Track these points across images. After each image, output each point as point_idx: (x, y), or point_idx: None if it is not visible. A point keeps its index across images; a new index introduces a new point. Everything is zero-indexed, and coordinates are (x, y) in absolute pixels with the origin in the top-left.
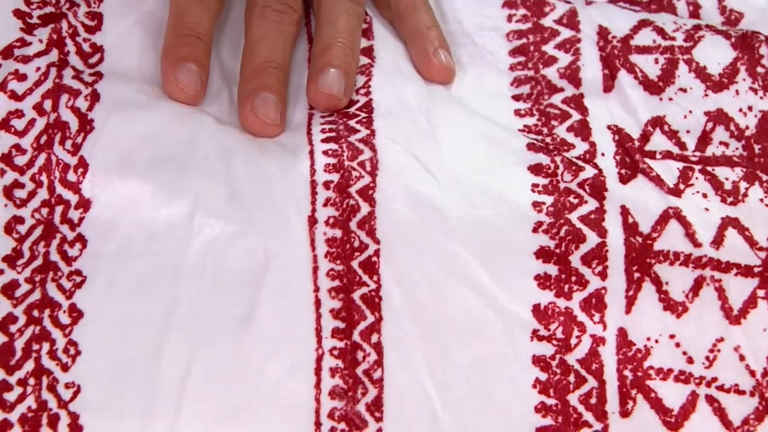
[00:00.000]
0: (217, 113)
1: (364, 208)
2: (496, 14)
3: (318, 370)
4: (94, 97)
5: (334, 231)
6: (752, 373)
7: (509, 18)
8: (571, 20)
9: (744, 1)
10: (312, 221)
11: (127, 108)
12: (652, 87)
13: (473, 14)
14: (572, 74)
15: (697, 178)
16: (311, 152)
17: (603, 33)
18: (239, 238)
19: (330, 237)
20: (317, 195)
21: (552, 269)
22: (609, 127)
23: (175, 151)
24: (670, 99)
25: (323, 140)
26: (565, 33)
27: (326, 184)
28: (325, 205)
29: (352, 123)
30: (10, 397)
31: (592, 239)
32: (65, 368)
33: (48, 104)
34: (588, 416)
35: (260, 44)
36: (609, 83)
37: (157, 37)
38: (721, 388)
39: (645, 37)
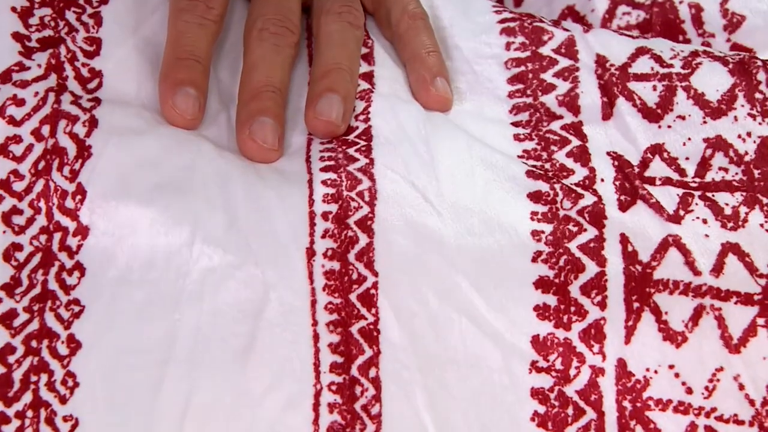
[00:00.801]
0: (215, 136)
1: (363, 240)
2: (494, 41)
3: (316, 406)
4: (92, 123)
5: (333, 263)
6: (752, 403)
7: (507, 46)
8: (569, 49)
9: (746, 4)
10: (310, 253)
11: (126, 134)
12: (651, 115)
13: (472, 41)
14: (571, 101)
15: (696, 204)
16: (310, 181)
17: (601, 61)
18: (237, 269)
19: (328, 269)
20: (316, 226)
21: (551, 300)
22: (609, 154)
23: (174, 177)
24: (669, 126)
25: (322, 169)
26: (564, 62)
27: (324, 215)
28: (323, 236)
29: (351, 151)
30: (9, 429)
31: (591, 269)
32: (63, 400)
33: (46, 130)
34: None
35: (258, 67)
36: (608, 111)
37: (157, 61)
38: (720, 418)
39: (643, 65)
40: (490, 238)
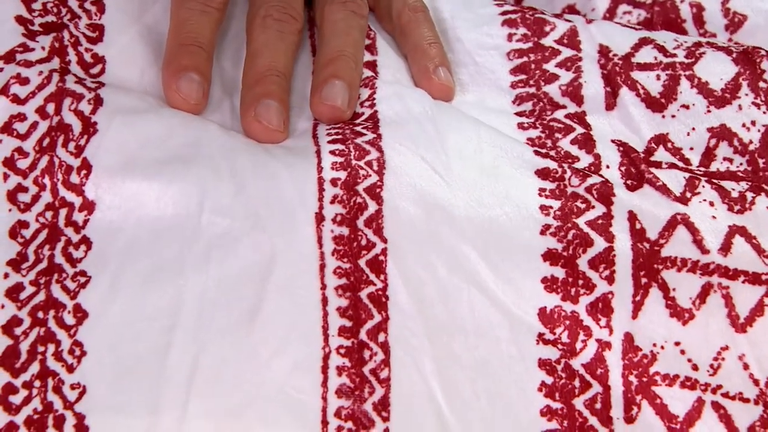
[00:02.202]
0: (219, 123)
1: (372, 207)
2: (495, 33)
3: (325, 368)
4: (98, 101)
5: (342, 229)
6: (756, 382)
7: (509, 37)
8: (571, 40)
9: (748, 4)
10: (319, 218)
11: (131, 112)
12: (655, 104)
13: (473, 33)
14: (574, 91)
15: (703, 186)
16: (318, 152)
17: (604, 51)
18: (245, 234)
19: (337, 234)
20: (324, 192)
21: (559, 272)
22: (613, 141)
23: (180, 152)
24: (673, 116)
25: (330, 141)
26: (566, 52)
27: (333, 182)
28: (332, 202)
29: (358, 128)
30: (16, 399)
31: (599, 243)
32: (71, 369)
33: (51, 107)
34: (593, 421)
35: (262, 53)
36: (611, 101)
37: (159, 48)
38: (726, 395)
39: (646, 54)
40: (498, 209)
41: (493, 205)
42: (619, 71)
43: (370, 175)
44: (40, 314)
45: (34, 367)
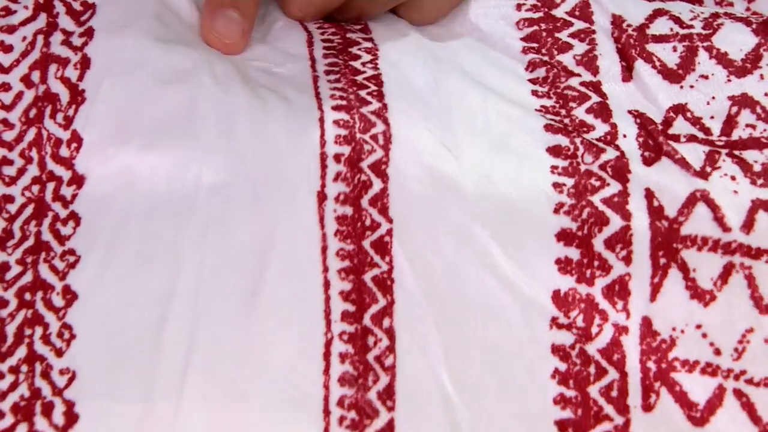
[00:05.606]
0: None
1: (377, 184)
2: (503, 3)
3: (327, 355)
4: (84, 63)
5: (345, 208)
6: None
7: (518, 7)
8: (583, 11)
9: None
10: (321, 197)
11: (121, 71)
12: (672, 75)
13: (478, 5)
14: (589, 62)
15: (724, 160)
16: (321, 120)
17: (617, 22)
18: (243, 212)
19: (340, 214)
20: (327, 169)
21: (574, 253)
22: (630, 112)
23: (176, 115)
24: (691, 86)
25: (333, 108)
26: (579, 24)
27: (337, 157)
28: (335, 179)
29: (363, 94)
30: (2, 385)
31: (615, 222)
32: (59, 353)
33: (36, 75)
34: (609, 409)
35: None
36: (626, 74)
37: None
38: (750, 381)
39: (661, 26)
40: (510, 186)
41: (504, 182)
42: (633, 44)
43: (375, 150)
44: (27, 295)
45: (21, 351)
